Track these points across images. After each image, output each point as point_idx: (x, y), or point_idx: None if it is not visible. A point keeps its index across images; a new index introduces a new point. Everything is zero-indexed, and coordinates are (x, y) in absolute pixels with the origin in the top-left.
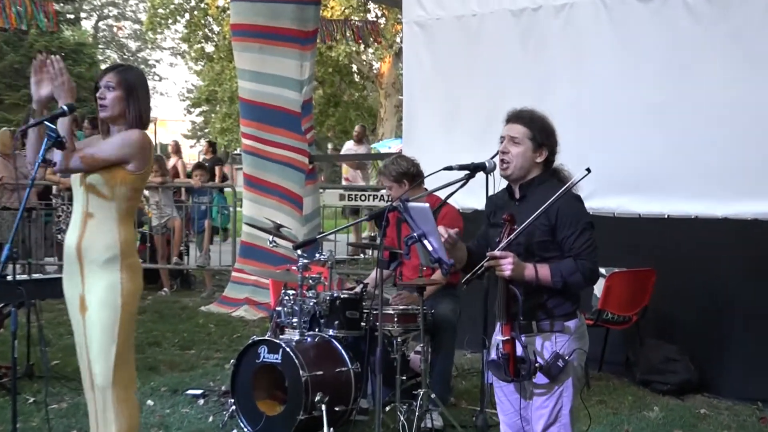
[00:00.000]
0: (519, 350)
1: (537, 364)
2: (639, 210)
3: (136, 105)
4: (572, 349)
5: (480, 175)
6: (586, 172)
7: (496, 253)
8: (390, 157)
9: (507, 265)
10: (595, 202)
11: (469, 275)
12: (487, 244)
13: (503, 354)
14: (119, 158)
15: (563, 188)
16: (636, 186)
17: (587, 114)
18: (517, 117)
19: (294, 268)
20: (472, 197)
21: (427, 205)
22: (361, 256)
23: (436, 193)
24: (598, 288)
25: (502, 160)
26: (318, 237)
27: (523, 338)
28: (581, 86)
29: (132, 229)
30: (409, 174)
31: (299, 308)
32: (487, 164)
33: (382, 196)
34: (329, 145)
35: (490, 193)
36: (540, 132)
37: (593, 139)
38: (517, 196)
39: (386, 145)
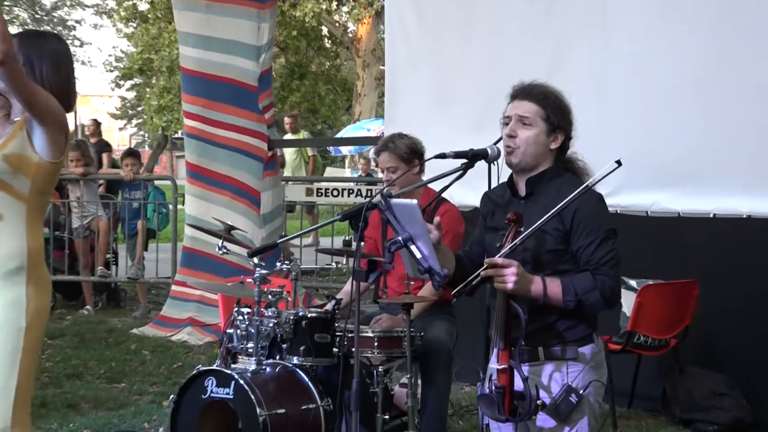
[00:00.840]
0: (518, 383)
1: (539, 402)
2: (678, 207)
3: (49, 82)
4: (588, 382)
5: (480, 165)
6: (616, 165)
7: (497, 260)
8: (388, 136)
9: (509, 276)
10: (624, 199)
11: (461, 286)
12: (482, 252)
13: (498, 387)
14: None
15: (585, 184)
16: (674, 178)
17: (612, 91)
18: (527, 93)
19: (249, 280)
20: (470, 192)
21: (415, 201)
22: (334, 265)
23: (428, 187)
24: (628, 305)
25: (508, 145)
26: (279, 242)
27: (525, 368)
28: (604, 56)
29: (41, 233)
30: (419, 153)
31: (256, 331)
32: (489, 151)
33: (359, 190)
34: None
35: (490, 191)
36: (555, 112)
37: (619, 123)
38: (523, 192)
39: (363, 128)
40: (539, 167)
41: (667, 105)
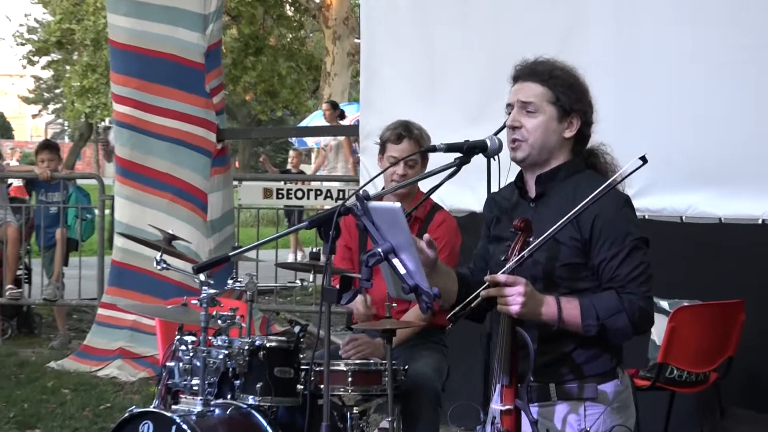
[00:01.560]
0: (526, 428)
1: None
2: (720, 212)
3: None
4: (610, 426)
5: (478, 161)
6: (641, 163)
7: (500, 277)
8: (398, 122)
9: (516, 297)
10: (653, 202)
11: (457, 309)
12: (486, 269)
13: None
14: None
15: (606, 183)
16: (715, 177)
17: (635, 75)
18: (530, 72)
19: (194, 301)
20: (468, 193)
21: (398, 205)
22: (298, 283)
23: (414, 185)
24: (658, 331)
25: (512, 139)
26: (231, 255)
27: (534, 409)
28: (625, 34)
29: None
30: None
31: (202, 364)
32: (488, 143)
33: (329, 191)
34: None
35: (495, 188)
36: (567, 92)
37: (645, 112)
38: (533, 193)
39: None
40: (552, 162)
41: (703, 89)
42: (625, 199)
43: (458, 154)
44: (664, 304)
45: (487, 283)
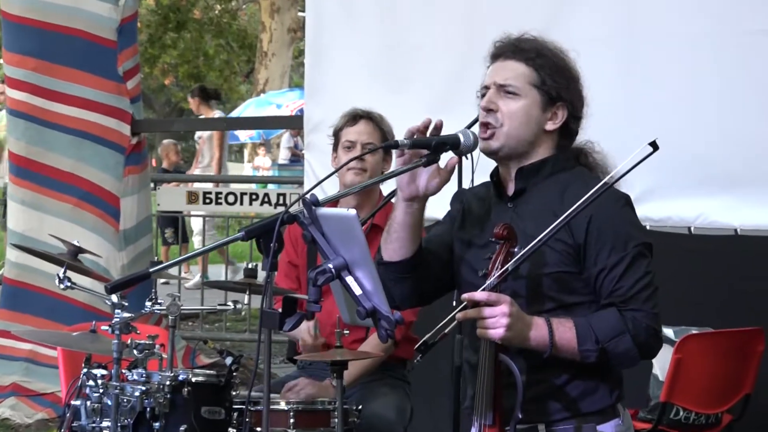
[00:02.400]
0: None
1: None
2: (735, 222)
3: None
4: None
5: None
6: (651, 150)
7: (479, 295)
8: (356, 108)
9: (499, 319)
10: (657, 209)
11: (428, 336)
12: (441, 252)
13: None
14: None
15: (609, 175)
16: (730, 181)
17: (638, 63)
18: (514, 49)
19: (104, 327)
20: (434, 198)
21: (353, 212)
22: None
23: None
24: (662, 364)
25: (484, 124)
26: (152, 271)
27: None
28: (626, 15)
29: None
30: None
31: (114, 402)
32: (461, 138)
33: (266, 195)
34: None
35: (468, 189)
36: (554, 76)
37: (649, 105)
38: (511, 190)
39: (271, 102)
40: (532, 154)
41: (717, 80)
42: (626, 198)
43: (425, 151)
44: (669, 332)
45: (462, 305)
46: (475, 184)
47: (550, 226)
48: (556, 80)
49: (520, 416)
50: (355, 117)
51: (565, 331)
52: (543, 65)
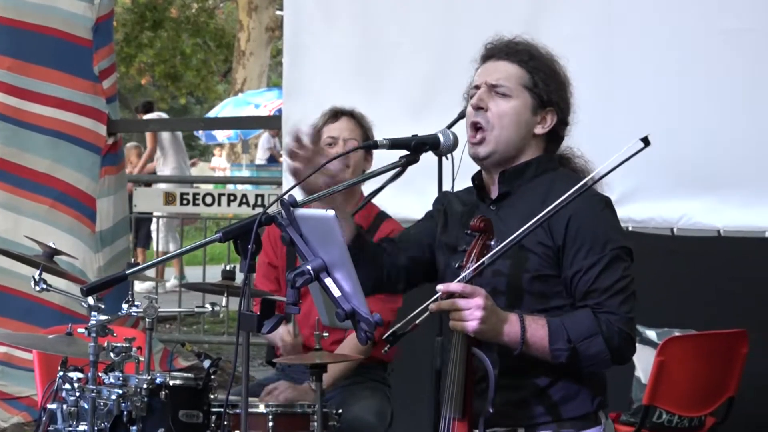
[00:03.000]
0: None
1: None
2: (719, 223)
3: None
4: None
5: (427, 160)
6: (642, 145)
7: (454, 286)
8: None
9: (473, 311)
10: (639, 210)
11: (397, 326)
12: (409, 246)
13: None
14: None
15: (596, 171)
16: (712, 182)
17: (621, 61)
18: (507, 51)
19: (81, 330)
20: (415, 200)
21: (332, 213)
22: (208, 308)
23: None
24: (644, 366)
25: (474, 125)
26: (129, 273)
27: None
28: (608, 14)
29: None
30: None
31: (91, 406)
32: (441, 138)
33: (244, 196)
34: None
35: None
36: (546, 80)
37: (632, 104)
38: (494, 194)
39: (249, 102)
40: (520, 157)
41: (699, 80)
42: (606, 201)
43: (405, 152)
44: (651, 334)
45: (438, 295)
46: (456, 184)
47: (529, 234)
48: (547, 84)
49: (491, 410)
50: (336, 114)
51: (538, 329)
52: (536, 68)
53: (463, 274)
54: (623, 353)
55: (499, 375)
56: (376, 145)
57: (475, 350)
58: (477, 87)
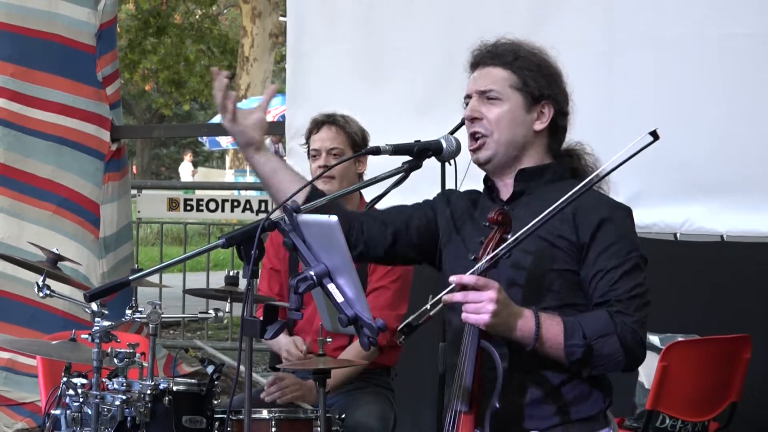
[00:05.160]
0: None
1: None
2: (722, 228)
3: None
4: None
5: (430, 165)
6: (651, 139)
7: (468, 278)
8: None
9: (486, 304)
10: (643, 215)
11: (411, 318)
12: (392, 219)
13: None
14: None
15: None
16: (716, 187)
17: (619, 64)
18: (491, 56)
19: (84, 336)
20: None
21: (335, 219)
22: (212, 313)
23: (354, 195)
24: (648, 372)
25: (473, 135)
26: (132, 278)
27: None
28: (613, 14)
29: None
30: (366, 141)
31: (94, 412)
32: (444, 144)
33: (248, 203)
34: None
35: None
36: (534, 75)
37: (635, 107)
38: (505, 195)
39: (251, 108)
40: (524, 159)
41: (707, 85)
42: (630, 211)
43: (407, 158)
44: (655, 339)
45: (450, 287)
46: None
47: (550, 227)
48: (537, 80)
49: (498, 405)
50: (317, 124)
51: (553, 325)
52: (522, 67)
53: (477, 265)
54: (635, 356)
55: (509, 374)
56: (378, 151)
57: (484, 343)
58: (469, 96)
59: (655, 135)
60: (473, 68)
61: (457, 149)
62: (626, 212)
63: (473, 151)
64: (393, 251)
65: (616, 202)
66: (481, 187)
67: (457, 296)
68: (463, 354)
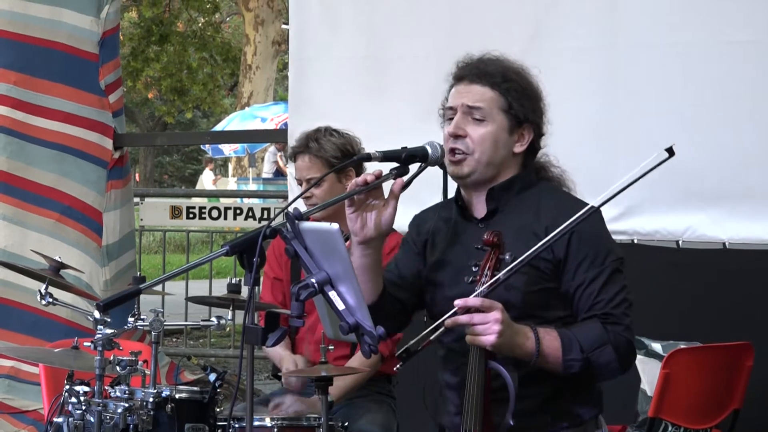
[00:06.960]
0: None
1: None
2: (724, 236)
3: None
4: None
5: (431, 171)
6: (667, 155)
7: (474, 300)
8: (310, 131)
9: (492, 325)
10: (645, 223)
11: (412, 342)
12: (402, 280)
13: None
14: None
15: (619, 183)
16: (718, 194)
17: (621, 71)
18: (479, 73)
19: (87, 344)
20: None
21: (336, 226)
22: (214, 321)
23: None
24: (650, 380)
25: (452, 150)
26: (143, 287)
27: None
28: (614, 19)
29: None
30: (349, 155)
31: (97, 419)
32: (429, 150)
33: (250, 210)
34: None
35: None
36: (521, 99)
37: (636, 114)
38: (479, 212)
39: (255, 116)
40: (500, 176)
41: (708, 92)
42: (599, 213)
43: (395, 164)
44: (657, 346)
45: (453, 310)
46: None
47: (531, 243)
48: (522, 104)
49: (512, 423)
50: (293, 153)
51: (551, 340)
52: (509, 89)
53: (479, 289)
54: (629, 361)
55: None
56: (369, 158)
57: (492, 364)
58: (452, 108)
59: (670, 152)
60: (458, 81)
61: (442, 155)
62: (595, 216)
63: (453, 163)
64: (416, 305)
65: (580, 203)
66: None
67: (463, 318)
68: (471, 377)
